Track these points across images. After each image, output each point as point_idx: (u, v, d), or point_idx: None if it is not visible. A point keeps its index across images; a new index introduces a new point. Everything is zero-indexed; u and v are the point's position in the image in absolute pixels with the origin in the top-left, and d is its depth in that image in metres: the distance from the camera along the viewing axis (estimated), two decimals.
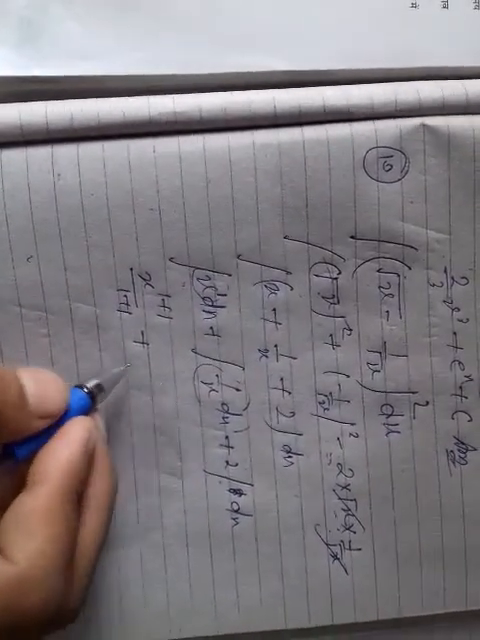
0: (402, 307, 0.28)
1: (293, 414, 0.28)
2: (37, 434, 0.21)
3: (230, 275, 0.27)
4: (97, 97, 0.25)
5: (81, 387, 0.24)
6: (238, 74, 0.26)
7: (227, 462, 0.28)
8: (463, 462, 0.29)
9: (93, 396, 0.24)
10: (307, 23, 0.26)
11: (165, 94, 0.26)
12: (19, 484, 0.21)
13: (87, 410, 0.24)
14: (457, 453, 0.29)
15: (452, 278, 0.27)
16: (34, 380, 0.21)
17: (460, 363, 0.28)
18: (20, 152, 0.25)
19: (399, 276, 0.27)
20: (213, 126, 0.26)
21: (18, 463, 0.21)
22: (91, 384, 0.25)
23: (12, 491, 0.21)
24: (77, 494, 0.21)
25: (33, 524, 0.19)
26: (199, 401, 0.28)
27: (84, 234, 0.26)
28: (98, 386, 0.25)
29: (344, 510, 0.29)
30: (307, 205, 0.26)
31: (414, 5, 0.27)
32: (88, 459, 0.22)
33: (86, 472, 0.22)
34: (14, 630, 0.19)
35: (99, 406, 0.25)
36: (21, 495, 0.20)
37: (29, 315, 0.27)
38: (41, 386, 0.21)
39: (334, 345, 0.28)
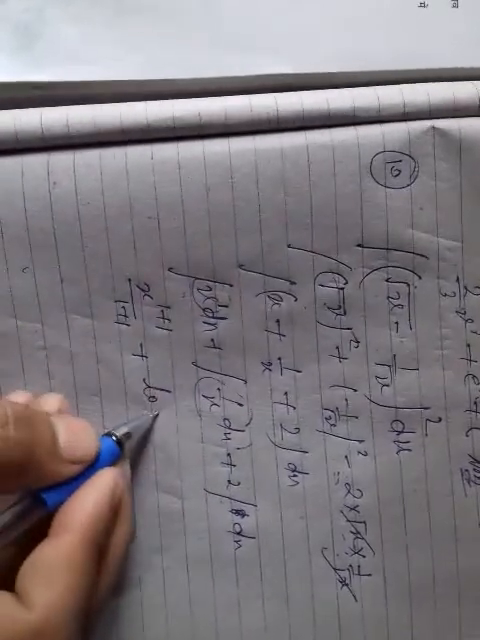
0: (412, 318, 0.26)
1: (298, 430, 0.27)
2: (67, 482, 0.22)
3: (231, 285, 0.26)
4: (94, 103, 0.25)
5: (110, 435, 0.24)
6: (238, 78, 0.25)
7: (229, 481, 0.27)
8: (479, 482, 0.27)
9: (121, 444, 0.24)
10: (310, 24, 0.26)
11: (163, 99, 0.25)
12: (44, 532, 0.21)
13: (116, 458, 0.24)
14: (472, 472, 0.27)
15: (465, 288, 0.26)
16: (65, 426, 0.22)
17: (474, 377, 0.27)
18: (15, 160, 0.25)
19: (409, 286, 0.26)
20: (213, 131, 0.25)
21: (48, 511, 0.21)
22: (120, 432, 0.25)
23: (37, 539, 0.21)
24: (99, 546, 0.21)
25: (54, 573, 0.20)
26: (200, 416, 0.27)
27: (80, 244, 0.25)
28: (127, 434, 0.25)
29: (353, 533, 0.27)
30: (311, 212, 0.25)
31: (423, 4, 0.26)
32: (113, 511, 0.22)
33: (110, 524, 0.22)
34: None
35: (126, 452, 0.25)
36: (44, 542, 0.20)
37: (25, 327, 0.26)
38: (72, 432, 0.22)
39: (341, 358, 0.26)
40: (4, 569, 0.20)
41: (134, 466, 0.26)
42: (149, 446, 0.27)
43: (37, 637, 0.18)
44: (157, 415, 0.26)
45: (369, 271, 0.26)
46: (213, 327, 0.26)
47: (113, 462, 0.24)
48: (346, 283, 0.26)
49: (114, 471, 0.23)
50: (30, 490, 0.21)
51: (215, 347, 0.26)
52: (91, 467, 0.22)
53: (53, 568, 0.20)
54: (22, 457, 0.20)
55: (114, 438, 0.24)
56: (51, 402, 0.25)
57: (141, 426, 0.26)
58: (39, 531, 0.21)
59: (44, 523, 0.21)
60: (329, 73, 0.26)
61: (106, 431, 0.25)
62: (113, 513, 0.22)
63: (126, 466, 0.25)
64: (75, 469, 0.21)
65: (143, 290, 0.26)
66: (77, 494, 0.21)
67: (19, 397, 0.25)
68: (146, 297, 0.26)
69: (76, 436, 0.22)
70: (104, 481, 0.22)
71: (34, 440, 0.20)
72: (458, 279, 0.26)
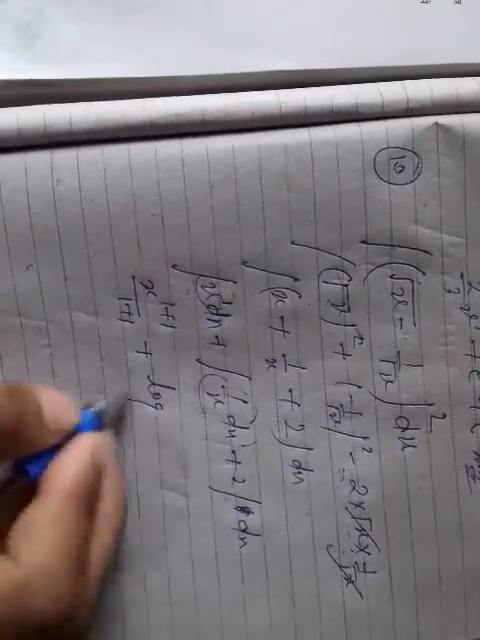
0: (416, 314, 0.26)
1: (302, 427, 0.27)
2: (48, 450, 0.22)
3: (235, 282, 0.26)
4: (97, 100, 0.25)
5: (88, 407, 0.24)
6: (241, 74, 0.25)
7: (233, 478, 0.27)
8: None
9: (100, 417, 0.24)
10: (312, 20, 0.25)
11: (166, 96, 0.25)
12: (29, 501, 0.22)
13: (95, 429, 0.24)
14: (477, 469, 0.27)
15: (469, 284, 0.26)
16: (47, 396, 0.22)
17: (479, 373, 0.27)
18: (18, 157, 0.25)
19: (413, 282, 0.26)
20: (216, 128, 0.25)
21: (30, 480, 0.22)
22: (98, 406, 0.25)
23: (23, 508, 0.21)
24: (87, 504, 0.22)
25: (42, 531, 0.20)
26: (204, 413, 0.26)
27: (84, 241, 0.25)
28: (101, 410, 0.25)
29: (358, 530, 0.27)
30: (315, 209, 0.25)
31: (425, 1, 0.26)
32: (97, 471, 0.22)
33: (95, 483, 0.22)
34: (20, 630, 0.19)
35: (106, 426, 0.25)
36: (33, 504, 0.21)
37: (29, 325, 0.26)
38: (54, 402, 0.22)
39: (345, 354, 0.26)
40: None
41: (138, 463, 0.26)
42: (153, 443, 0.26)
43: (27, 589, 0.19)
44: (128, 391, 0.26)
45: (373, 268, 0.26)
46: (217, 324, 0.26)
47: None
48: (350, 280, 0.26)
49: (92, 434, 0.23)
50: (12, 461, 0.22)
51: (219, 344, 0.26)
52: (71, 437, 0.23)
53: (40, 526, 0.20)
54: (13, 425, 0.21)
55: (93, 410, 0.24)
56: (65, 405, 0.25)
57: (117, 400, 0.26)
58: (28, 497, 0.22)
59: (32, 493, 0.22)
60: (332, 70, 0.26)
61: (83, 404, 0.25)
62: (97, 473, 0.22)
63: (108, 437, 0.24)
64: (57, 438, 0.22)
65: (147, 287, 0.26)
66: (59, 458, 0.22)
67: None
68: (150, 294, 0.26)
69: (58, 405, 0.23)
70: (83, 443, 0.23)
71: (23, 410, 0.21)
72: (462, 275, 0.26)
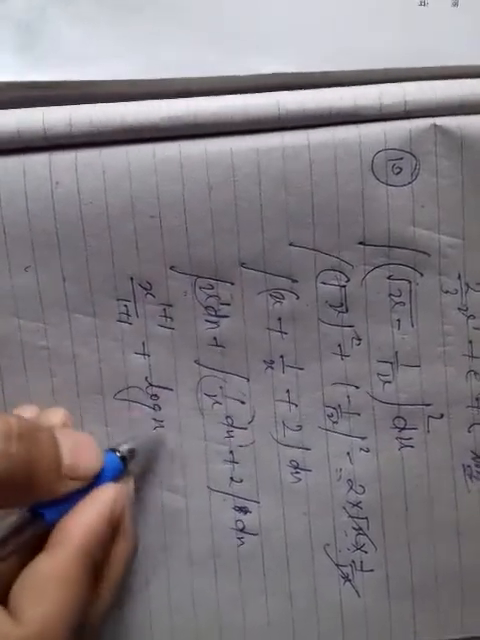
0: (414, 315, 0.26)
1: (300, 428, 0.27)
2: (68, 497, 0.21)
3: (233, 284, 0.26)
4: (96, 102, 0.25)
5: (114, 450, 0.24)
6: (240, 77, 0.25)
7: (232, 478, 0.27)
8: None
9: (125, 461, 0.24)
10: (311, 23, 0.25)
11: (165, 98, 0.25)
12: (42, 547, 0.21)
13: (119, 474, 0.24)
14: (474, 468, 0.27)
15: (466, 284, 0.26)
16: (69, 442, 0.21)
17: (476, 373, 0.27)
18: (17, 159, 0.25)
19: (410, 283, 0.26)
20: (215, 130, 0.25)
21: (46, 526, 0.21)
22: (124, 448, 0.24)
23: (35, 554, 0.21)
24: (95, 562, 0.21)
25: (46, 587, 0.19)
26: (202, 414, 0.27)
27: (83, 243, 0.25)
28: (131, 451, 0.24)
29: (355, 529, 0.27)
30: (313, 211, 0.25)
31: (423, 3, 0.26)
32: (112, 527, 0.22)
33: (109, 540, 0.22)
34: None
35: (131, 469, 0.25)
36: (38, 557, 0.20)
37: (27, 326, 0.26)
38: (76, 449, 0.21)
39: (343, 355, 0.27)
40: (1, 583, 0.20)
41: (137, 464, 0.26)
42: (152, 444, 0.27)
43: None
44: (163, 435, 0.26)
45: (371, 268, 0.26)
46: (215, 325, 0.26)
47: (116, 478, 0.23)
48: (348, 281, 0.26)
49: (115, 487, 0.22)
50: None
51: (217, 345, 0.26)
52: (93, 483, 0.22)
53: (46, 583, 0.19)
54: (24, 474, 0.19)
55: (118, 454, 0.24)
56: (55, 416, 0.25)
57: (147, 444, 0.25)
58: (38, 546, 0.21)
59: (42, 538, 0.21)
60: (330, 72, 0.26)
61: (111, 446, 0.24)
62: (111, 529, 0.22)
63: (130, 483, 0.24)
64: (75, 485, 0.21)
65: (145, 289, 0.26)
66: (76, 509, 0.21)
67: (25, 411, 0.25)
68: (148, 296, 0.26)
69: (79, 453, 0.21)
70: (104, 497, 0.22)
71: (37, 457, 0.20)
72: (459, 276, 0.26)
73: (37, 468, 0.20)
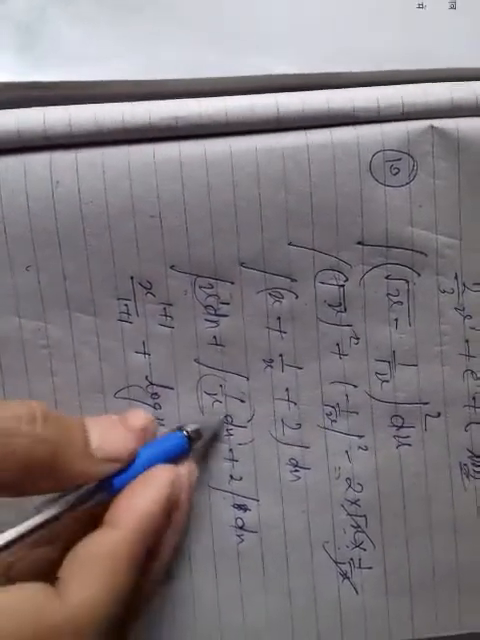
0: (411, 315, 0.27)
1: (299, 426, 0.27)
2: (131, 467, 0.21)
3: (233, 283, 0.26)
4: (97, 102, 0.25)
5: (181, 429, 0.24)
6: (239, 78, 0.25)
7: (231, 476, 0.27)
8: (477, 476, 0.28)
9: (191, 440, 0.24)
10: (310, 25, 0.26)
11: (165, 99, 0.25)
12: (93, 522, 0.20)
13: (184, 453, 0.24)
14: (471, 466, 0.27)
15: (463, 284, 0.27)
16: (98, 425, 0.21)
17: (473, 372, 0.27)
18: (18, 159, 0.25)
19: (408, 283, 0.26)
20: (214, 131, 0.25)
21: (111, 495, 0.21)
22: (191, 428, 0.24)
23: (85, 528, 0.20)
24: (147, 547, 0.20)
25: (96, 569, 0.19)
26: (202, 412, 0.27)
27: (83, 242, 0.25)
28: (197, 432, 0.25)
29: (354, 526, 0.27)
30: (312, 211, 0.26)
31: (421, 5, 0.26)
32: (166, 513, 0.21)
33: (162, 526, 0.21)
34: None
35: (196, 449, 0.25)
36: (92, 534, 0.20)
37: (28, 325, 0.26)
38: (103, 429, 0.21)
39: (341, 354, 0.27)
40: (56, 560, 0.20)
41: None
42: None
43: (63, 633, 0.18)
44: (226, 416, 0.26)
45: (369, 268, 0.26)
46: (215, 324, 0.26)
47: (181, 457, 0.23)
48: (346, 280, 0.26)
49: (174, 470, 0.22)
50: None
51: (217, 344, 0.26)
52: (164, 455, 0.22)
53: (95, 563, 0.19)
54: (50, 456, 0.19)
55: (185, 433, 0.24)
56: (137, 417, 0.24)
57: (210, 427, 0.26)
58: (91, 523, 0.20)
59: (96, 517, 0.20)
60: (329, 73, 0.26)
61: (178, 426, 0.25)
62: (166, 515, 0.21)
63: (192, 465, 0.24)
64: (110, 468, 0.21)
65: (145, 288, 0.26)
66: (132, 488, 0.21)
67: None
68: (148, 295, 0.26)
69: (108, 434, 0.21)
70: (162, 478, 0.21)
71: (62, 438, 0.19)
72: (457, 276, 0.26)
73: (65, 450, 0.19)
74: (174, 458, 0.23)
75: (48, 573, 0.19)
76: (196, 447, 0.25)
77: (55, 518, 0.19)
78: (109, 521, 0.20)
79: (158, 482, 0.21)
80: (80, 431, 0.20)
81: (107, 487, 0.21)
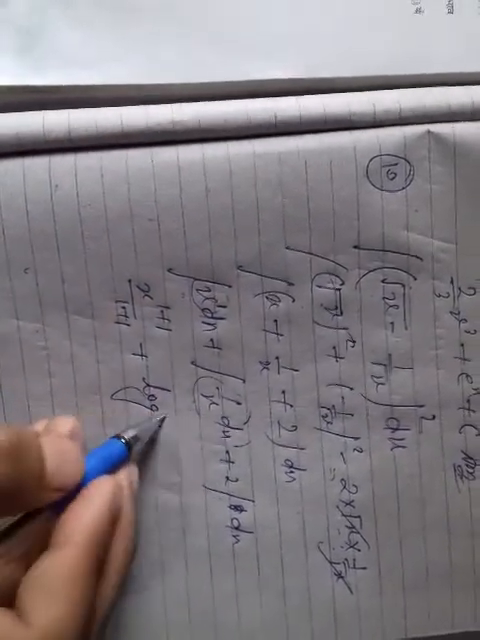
0: (407, 318, 0.27)
1: (295, 428, 0.27)
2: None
3: (230, 286, 0.26)
4: (95, 106, 0.25)
5: (119, 437, 0.25)
6: (237, 83, 0.26)
7: (227, 477, 0.27)
8: (471, 477, 0.28)
9: (130, 447, 0.25)
10: (308, 30, 0.26)
11: (164, 103, 0.25)
12: (45, 544, 0.21)
13: (124, 460, 0.24)
14: (465, 468, 0.28)
15: (459, 288, 0.27)
16: (55, 452, 0.21)
17: (468, 376, 0.27)
18: (17, 162, 0.25)
19: (404, 287, 0.27)
20: (212, 135, 0.25)
21: (48, 518, 0.21)
22: (129, 435, 0.25)
23: (37, 547, 0.21)
24: (99, 559, 0.21)
25: (54, 588, 0.19)
26: (199, 414, 0.27)
27: (82, 245, 0.26)
28: (135, 437, 0.25)
29: (348, 527, 0.28)
30: (309, 215, 0.26)
31: (419, 10, 0.26)
32: (112, 522, 0.22)
33: (110, 535, 0.22)
34: None
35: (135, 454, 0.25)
36: (44, 556, 0.20)
37: (26, 328, 0.26)
38: (60, 459, 0.21)
39: (337, 357, 0.27)
40: (7, 583, 0.20)
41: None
42: (149, 443, 0.27)
43: None
44: (163, 418, 0.27)
45: (365, 272, 0.26)
46: (212, 327, 0.27)
47: (121, 464, 0.24)
48: (343, 284, 0.26)
49: (114, 480, 0.23)
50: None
51: (214, 347, 0.27)
52: (108, 467, 0.23)
53: (53, 583, 0.19)
54: (9, 490, 0.20)
55: (123, 440, 0.25)
56: (65, 426, 0.25)
57: (148, 429, 0.26)
58: (40, 543, 0.21)
59: (46, 534, 0.21)
60: (326, 78, 0.26)
61: (115, 434, 0.25)
62: (112, 523, 0.22)
63: (134, 470, 0.25)
64: (59, 495, 0.21)
65: (143, 291, 0.26)
66: (76, 505, 0.21)
67: (40, 426, 0.25)
68: (146, 297, 0.26)
69: (63, 462, 0.21)
70: (104, 491, 0.22)
71: (23, 473, 0.20)
72: (452, 280, 0.27)
73: (21, 484, 0.20)
74: (115, 465, 0.24)
75: (2, 596, 0.20)
76: (136, 450, 0.25)
77: None
78: (59, 540, 0.20)
79: (100, 495, 0.22)
80: (37, 463, 0.21)
81: (52, 505, 0.21)
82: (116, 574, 0.22)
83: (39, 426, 0.25)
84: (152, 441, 0.27)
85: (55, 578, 0.19)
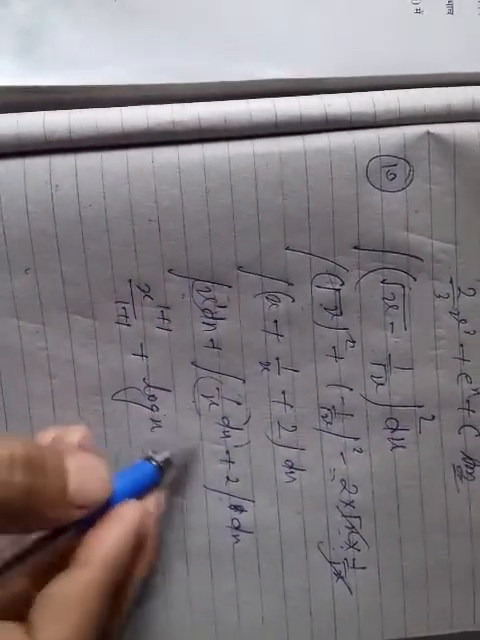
0: (407, 319, 0.27)
1: (295, 428, 0.27)
2: (94, 513, 0.21)
3: (230, 287, 0.26)
4: (96, 106, 0.25)
5: (150, 459, 0.24)
6: (238, 83, 0.26)
7: (228, 477, 0.27)
8: (470, 478, 0.28)
9: (162, 470, 0.24)
10: (308, 30, 0.26)
11: (164, 103, 0.25)
12: (65, 558, 0.21)
13: (154, 484, 0.24)
14: (464, 468, 0.28)
15: (459, 289, 0.27)
16: (79, 468, 0.21)
17: (467, 376, 0.27)
18: (17, 162, 0.25)
19: (404, 287, 0.27)
20: (213, 135, 0.25)
21: (80, 531, 0.21)
22: (160, 457, 0.24)
23: (58, 568, 0.20)
24: (117, 584, 0.21)
25: (66, 610, 0.19)
26: (199, 414, 0.27)
27: (82, 245, 0.26)
28: (167, 461, 0.25)
29: (348, 527, 0.28)
30: (309, 215, 0.26)
31: (419, 11, 0.26)
32: (136, 549, 0.21)
33: (131, 563, 0.21)
34: None
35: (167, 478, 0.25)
36: (62, 574, 0.20)
37: (26, 328, 0.26)
38: (84, 475, 0.21)
39: (337, 357, 0.27)
40: (23, 597, 0.20)
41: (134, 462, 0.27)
42: (149, 443, 0.27)
43: None
44: (198, 446, 0.26)
45: (365, 273, 0.26)
46: (212, 327, 0.27)
47: (151, 487, 0.24)
48: (342, 284, 0.27)
49: (142, 507, 0.22)
50: None
51: (214, 347, 0.27)
52: (137, 489, 0.22)
53: (66, 604, 0.19)
54: (24, 504, 0.19)
55: (154, 463, 0.24)
56: (74, 435, 0.24)
57: (182, 456, 0.25)
58: (62, 560, 0.21)
59: (68, 552, 0.21)
60: (326, 78, 0.26)
61: (148, 454, 0.24)
62: (135, 551, 0.21)
63: (161, 495, 0.24)
64: (82, 514, 0.20)
65: (143, 291, 0.26)
66: (102, 527, 0.21)
67: (47, 435, 0.24)
68: (146, 298, 0.26)
69: (86, 481, 0.20)
70: (130, 516, 0.21)
71: (41, 487, 0.19)
72: (452, 280, 0.27)
73: (40, 499, 0.19)
74: (145, 489, 0.24)
75: (16, 610, 0.19)
76: (167, 477, 0.25)
77: (19, 559, 0.20)
78: (79, 561, 0.20)
79: (127, 521, 0.21)
80: (58, 477, 0.20)
81: (77, 524, 0.21)
82: (130, 597, 0.22)
83: (47, 436, 0.24)
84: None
85: (68, 598, 0.19)
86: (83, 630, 0.19)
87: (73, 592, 0.19)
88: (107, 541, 0.20)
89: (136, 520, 0.21)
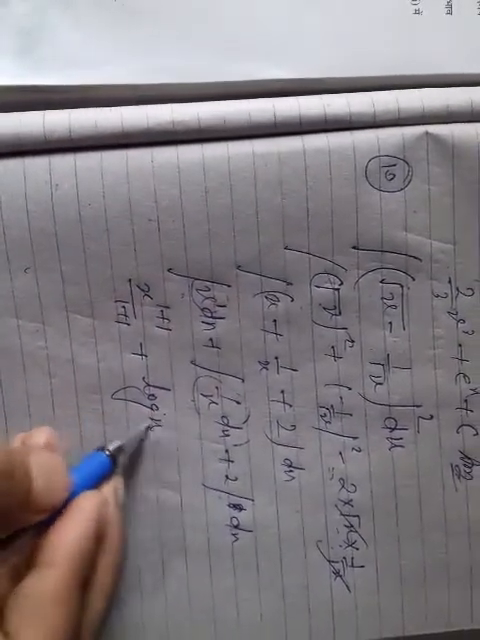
0: (405, 318, 0.27)
1: (294, 427, 0.27)
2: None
3: (230, 286, 0.26)
4: (95, 106, 0.25)
5: (103, 449, 0.25)
6: (238, 83, 0.26)
7: (227, 476, 0.27)
8: (469, 477, 0.28)
9: (114, 459, 0.25)
10: (308, 30, 0.26)
11: (164, 103, 0.25)
12: (31, 556, 0.21)
13: (109, 473, 0.24)
14: (462, 468, 0.28)
15: (457, 289, 0.27)
16: (42, 472, 0.21)
17: (465, 376, 0.27)
18: (17, 162, 0.25)
19: (402, 287, 0.27)
20: (212, 135, 0.25)
21: (40, 531, 0.21)
22: (113, 447, 0.25)
23: (25, 562, 0.21)
24: (85, 577, 0.21)
25: (40, 610, 0.19)
26: (198, 413, 0.27)
27: (82, 245, 0.26)
28: (119, 448, 0.25)
29: (346, 526, 0.28)
30: (308, 215, 0.26)
31: (418, 11, 0.27)
32: (98, 538, 0.22)
33: (95, 552, 0.22)
34: None
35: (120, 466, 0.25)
36: (29, 577, 0.20)
37: (27, 327, 0.26)
38: (47, 478, 0.21)
39: (336, 357, 0.27)
40: None
41: (134, 462, 0.27)
42: (148, 442, 0.27)
43: None
44: (149, 427, 0.27)
45: (364, 272, 0.27)
46: (211, 327, 0.27)
47: (106, 476, 0.24)
48: (341, 284, 0.27)
49: (99, 496, 0.23)
50: None
51: (213, 346, 0.27)
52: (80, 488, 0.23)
53: (39, 604, 0.19)
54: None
55: (106, 453, 0.25)
56: (39, 437, 0.24)
57: (133, 439, 0.26)
58: (28, 558, 0.21)
59: (33, 550, 0.21)
60: (326, 79, 0.26)
61: (99, 446, 0.25)
62: (97, 539, 0.22)
63: (119, 482, 0.25)
64: (43, 516, 0.21)
65: (143, 290, 0.26)
66: (61, 523, 0.21)
67: (18, 440, 0.24)
68: (146, 297, 0.26)
69: (49, 482, 0.21)
70: (89, 508, 0.22)
71: (9, 493, 0.20)
72: (450, 280, 0.27)
73: (8, 504, 0.20)
74: (100, 479, 0.24)
75: None
76: (121, 462, 0.25)
77: None
78: (44, 561, 0.20)
79: (85, 513, 0.22)
80: (24, 482, 0.20)
81: (37, 524, 0.21)
82: (103, 588, 0.22)
83: (16, 442, 0.24)
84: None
85: (40, 600, 0.20)
86: (60, 627, 0.19)
87: (44, 593, 0.20)
88: (68, 537, 0.21)
89: (94, 510, 0.22)
